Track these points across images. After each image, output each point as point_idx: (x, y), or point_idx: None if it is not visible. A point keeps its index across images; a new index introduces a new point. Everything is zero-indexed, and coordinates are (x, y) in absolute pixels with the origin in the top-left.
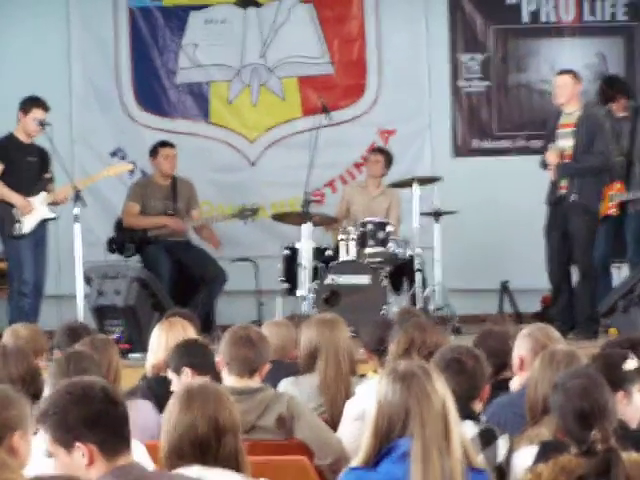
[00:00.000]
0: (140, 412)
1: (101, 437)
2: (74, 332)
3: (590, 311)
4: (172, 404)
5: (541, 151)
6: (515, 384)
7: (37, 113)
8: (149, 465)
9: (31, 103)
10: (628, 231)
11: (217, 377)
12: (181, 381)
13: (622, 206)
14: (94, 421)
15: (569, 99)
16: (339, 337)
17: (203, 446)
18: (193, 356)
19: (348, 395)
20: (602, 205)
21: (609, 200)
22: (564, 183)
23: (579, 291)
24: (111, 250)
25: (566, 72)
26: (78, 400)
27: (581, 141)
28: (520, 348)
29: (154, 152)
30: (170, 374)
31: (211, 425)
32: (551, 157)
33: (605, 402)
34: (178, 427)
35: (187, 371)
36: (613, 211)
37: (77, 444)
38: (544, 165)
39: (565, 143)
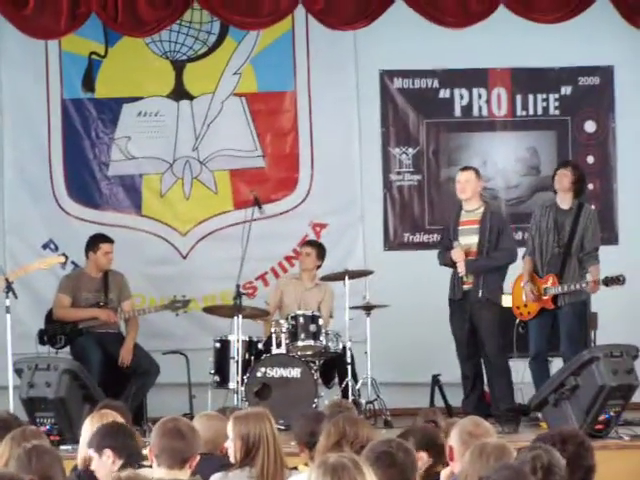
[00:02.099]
0: None
1: None
2: (5, 423)
3: (509, 403)
4: None
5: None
6: (445, 474)
7: None
8: None
9: None
10: (561, 325)
11: (138, 461)
12: (102, 462)
13: (554, 300)
14: None
15: (472, 195)
16: (274, 430)
17: None
18: (115, 439)
19: None
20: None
21: (543, 293)
22: (470, 279)
23: (496, 384)
24: (42, 342)
25: (469, 168)
26: None
27: (487, 238)
28: (450, 439)
29: (94, 247)
30: (91, 452)
31: None
32: (457, 254)
33: None
34: None
35: (108, 452)
36: (547, 305)
37: None
38: (444, 262)
39: (469, 240)
